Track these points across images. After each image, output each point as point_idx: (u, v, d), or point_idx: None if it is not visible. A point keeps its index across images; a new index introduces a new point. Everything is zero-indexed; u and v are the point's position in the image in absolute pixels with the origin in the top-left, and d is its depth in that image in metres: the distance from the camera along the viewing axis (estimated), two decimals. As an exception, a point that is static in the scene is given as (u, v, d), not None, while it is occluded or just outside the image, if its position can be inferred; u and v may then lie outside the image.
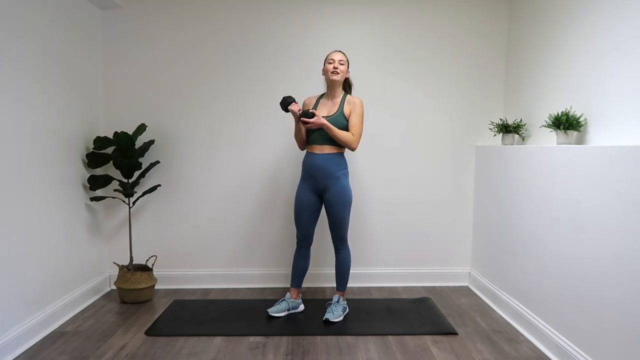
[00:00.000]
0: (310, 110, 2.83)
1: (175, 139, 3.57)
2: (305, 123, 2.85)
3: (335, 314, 2.97)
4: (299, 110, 2.90)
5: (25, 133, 2.61)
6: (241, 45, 3.55)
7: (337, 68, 2.90)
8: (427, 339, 2.74)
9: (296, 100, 2.95)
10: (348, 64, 3.00)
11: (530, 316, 2.77)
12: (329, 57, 2.94)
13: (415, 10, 3.58)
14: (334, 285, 3.55)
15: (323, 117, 2.91)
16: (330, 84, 2.96)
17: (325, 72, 2.96)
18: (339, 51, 2.98)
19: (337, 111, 2.93)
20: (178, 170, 3.60)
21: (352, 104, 2.94)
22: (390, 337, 2.76)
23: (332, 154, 2.93)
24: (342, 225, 3.00)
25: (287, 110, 2.93)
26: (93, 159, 3.24)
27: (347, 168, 3.00)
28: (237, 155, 3.61)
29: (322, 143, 2.93)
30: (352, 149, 2.95)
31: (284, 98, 2.92)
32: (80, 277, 3.20)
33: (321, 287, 3.67)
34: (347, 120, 2.94)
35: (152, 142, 3.41)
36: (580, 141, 2.63)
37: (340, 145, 2.95)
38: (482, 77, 3.64)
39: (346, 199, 2.96)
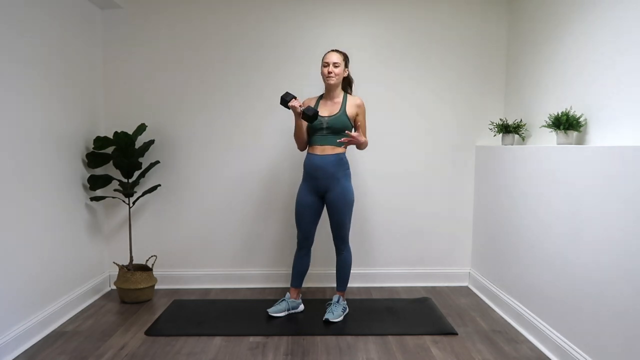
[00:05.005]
0: (313, 108, 2.80)
1: (175, 139, 3.57)
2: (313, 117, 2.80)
3: (335, 314, 2.97)
4: (300, 106, 2.85)
5: (25, 133, 2.61)
6: (241, 45, 3.55)
7: (331, 72, 2.88)
8: (427, 339, 2.74)
9: (296, 96, 2.91)
10: (347, 61, 2.99)
11: (530, 316, 2.77)
12: (323, 60, 2.93)
13: (415, 10, 3.57)
14: (334, 285, 3.54)
15: (324, 117, 2.91)
16: (328, 87, 2.96)
17: (321, 74, 2.95)
18: (335, 51, 2.95)
19: (339, 111, 2.92)
20: (178, 170, 3.59)
21: (357, 107, 2.97)
22: (390, 337, 2.76)
23: (334, 154, 2.93)
24: (343, 227, 2.99)
25: (288, 107, 2.89)
26: (93, 159, 3.24)
27: (349, 169, 3.00)
28: (237, 155, 3.61)
29: (323, 144, 2.93)
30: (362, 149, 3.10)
31: (285, 94, 2.88)
32: (80, 277, 3.20)
33: (321, 287, 3.67)
34: (349, 120, 2.94)
35: (152, 142, 3.41)
36: (580, 141, 2.63)
37: (341, 145, 2.95)
38: (482, 77, 3.64)
39: (348, 200, 2.96)
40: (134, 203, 3.41)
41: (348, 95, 3.00)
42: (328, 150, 2.93)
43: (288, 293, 3.13)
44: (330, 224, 3.02)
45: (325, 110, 2.95)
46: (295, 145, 3.14)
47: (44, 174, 2.79)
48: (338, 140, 2.90)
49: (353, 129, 2.98)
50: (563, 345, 2.42)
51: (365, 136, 3.02)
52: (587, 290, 2.25)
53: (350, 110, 2.94)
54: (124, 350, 2.56)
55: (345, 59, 2.97)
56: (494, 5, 3.60)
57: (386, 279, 3.73)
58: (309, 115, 2.79)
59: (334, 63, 2.89)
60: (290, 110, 2.94)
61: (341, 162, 2.94)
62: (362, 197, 3.64)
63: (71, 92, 3.09)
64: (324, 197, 2.99)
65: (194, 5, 3.51)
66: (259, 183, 3.64)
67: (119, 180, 3.31)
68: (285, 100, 2.87)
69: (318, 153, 2.94)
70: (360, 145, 3.00)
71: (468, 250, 3.77)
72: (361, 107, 2.99)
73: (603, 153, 2.15)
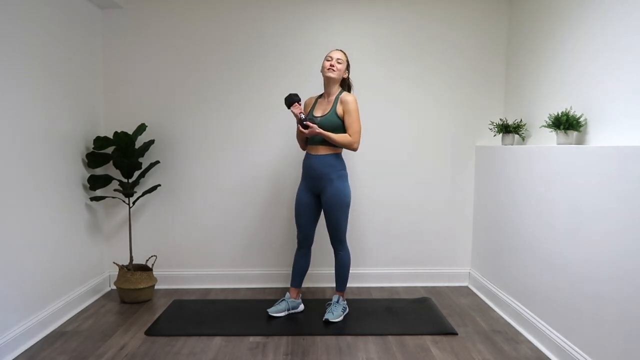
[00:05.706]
0: (305, 122, 2.83)
1: (175, 139, 3.57)
2: (304, 129, 2.86)
3: (335, 314, 2.97)
4: (299, 113, 2.87)
5: (25, 133, 2.61)
6: (242, 45, 3.55)
7: (333, 65, 2.88)
8: (427, 339, 2.74)
9: (300, 99, 2.93)
10: (348, 64, 2.99)
11: (530, 316, 2.77)
12: (327, 55, 2.93)
13: (415, 10, 3.57)
14: (334, 285, 3.53)
15: (318, 117, 2.91)
16: (327, 82, 2.94)
17: (322, 68, 2.94)
18: (340, 50, 2.97)
19: (330, 110, 2.91)
20: (178, 170, 3.59)
21: (344, 103, 2.87)
22: (390, 337, 2.76)
23: (327, 155, 2.92)
24: (338, 228, 2.97)
25: (289, 108, 2.91)
26: (93, 159, 3.24)
27: (344, 170, 2.97)
28: (238, 155, 3.61)
29: (316, 144, 2.93)
30: (354, 150, 2.93)
31: (289, 95, 2.89)
32: (80, 277, 3.20)
33: (321, 287, 3.67)
34: (341, 119, 2.90)
35: (152, 142, 3.41)
36: (580, 141, 2.63)
37: (336, 146, 2.94)
38: (482, 77, 3.64)
39: (341, 201, 2.92)
40: (134, 203, 3.41)
41: (344, 92, 2.97)
42: (321, 150, 2.92)
43: (288, 293, 3.13)
44: (327, 225, 3.01)
45: (320, 110, 2.95)
46: (296, 145, 3.15)
47: (44, 174, 2.79)
48: (301, 128, 2.88)
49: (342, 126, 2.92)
50: (563, 345, 2.42)
51: (355, 135, 2.86)
52: (587, 290, 2.25)
53: (338, 107, 2.90)
54: (124, 350, 2.56)
55: (348, 62, 2.98)
56: (494, 5, 3.59)
57: (386, 279, 3.73)
58: (306, 126, 2.85)
59: (338, 59, 2.89)
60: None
61: (334, 163, 2.92)
62: (362, 197, 3.64)
63: (71, 92, 3.09)
64: (320, 197, 2.99)
65: (194, 6, 3.51)
66: (259, 183, 3.63)
67: (119, 180, 3.31)
68: (290, 101, 2.89)
69: (313, 153, 2.94)
70: (342, 144, 2.88)
71: (468, 250, 3.77)
72: (346, 104, 2.85)
73: (603, 153, 2.15)
